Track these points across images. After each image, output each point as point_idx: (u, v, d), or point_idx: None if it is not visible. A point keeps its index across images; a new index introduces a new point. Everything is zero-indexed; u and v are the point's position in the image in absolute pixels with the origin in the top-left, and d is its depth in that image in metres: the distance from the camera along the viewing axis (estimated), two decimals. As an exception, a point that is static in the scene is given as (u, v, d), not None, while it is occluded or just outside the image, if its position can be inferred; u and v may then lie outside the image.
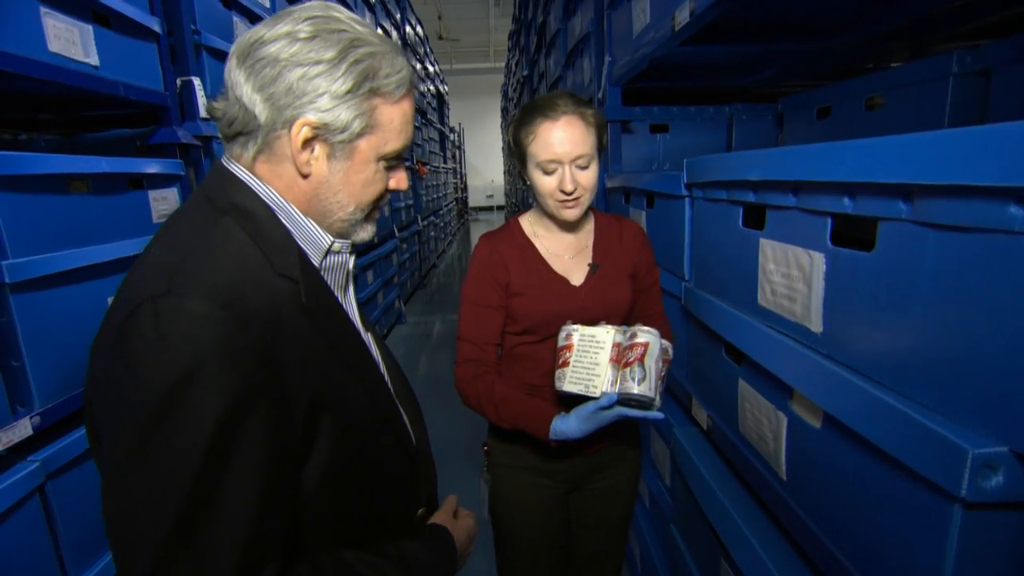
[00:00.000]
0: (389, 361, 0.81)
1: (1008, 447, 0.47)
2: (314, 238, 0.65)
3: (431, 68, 9.07)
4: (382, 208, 0.74)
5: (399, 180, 0.70)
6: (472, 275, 1.11)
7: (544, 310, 1.08)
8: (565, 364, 0.99)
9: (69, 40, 1.43)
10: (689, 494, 1.17)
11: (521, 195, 7.87)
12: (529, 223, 1.14)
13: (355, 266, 0.75)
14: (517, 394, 1.05)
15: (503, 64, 11.34)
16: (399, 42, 6.17)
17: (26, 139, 2.17)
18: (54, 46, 1.37)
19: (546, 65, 3.66)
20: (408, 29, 6.71)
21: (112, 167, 1.47)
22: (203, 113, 2.21)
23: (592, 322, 1.08)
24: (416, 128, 6.98)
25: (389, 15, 5.62)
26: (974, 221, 0.48)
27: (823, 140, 1.52)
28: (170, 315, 0.50)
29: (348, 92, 0.59)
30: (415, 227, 6.57)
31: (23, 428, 1.18)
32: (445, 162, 10.73)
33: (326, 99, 0.59)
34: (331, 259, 0.68)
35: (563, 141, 0.99)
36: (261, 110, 0.59)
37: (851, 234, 0.69)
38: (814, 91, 1.58)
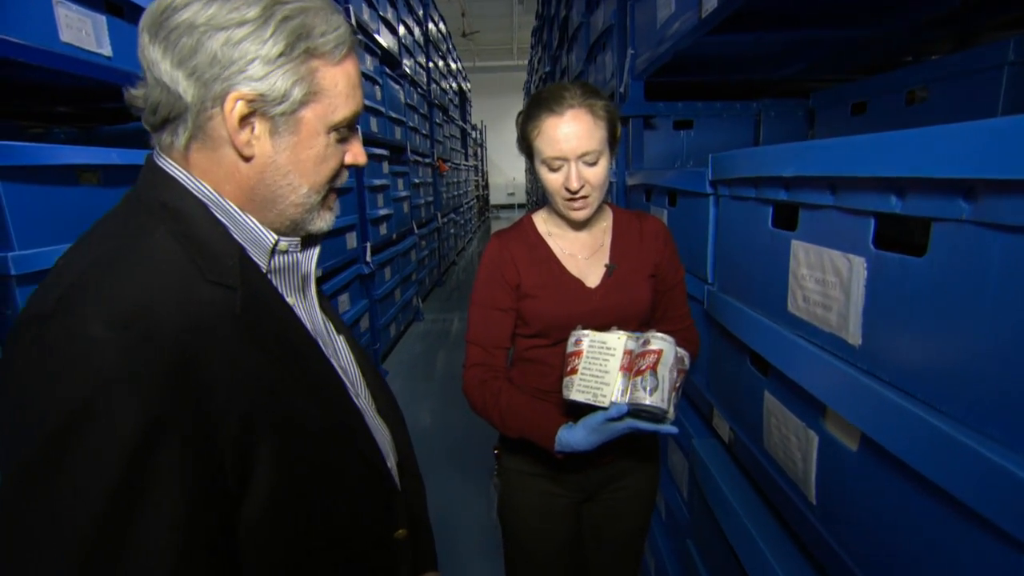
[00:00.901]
0: (365, 368, 0.73)
1: (1089, 489, 0.40)
2: (256, 237, 0.58)
3: (453, 65, 9.05)
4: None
5: (356, 154, 0.62)
6: (482, 276, 1.06)
7: (557, 313, 1.02)
8: (573, 371, 0.93)
9: (81, 30, 1.41)
10: (708, 509, 1.11)
11: (541, 193, 7.77)
12: (543, 221, 1.08)
13: (318, 266, 0.67)
14: (524, 401, 1.00)
15: (526, 61, 11.27)
16: (422, 39, 6.16)
17: (41, 131, 2.19)
18: (66, 36, 1.36)
19: (568, 60, 3.59)
20: (431, 26, 6.69)
21: (123, 159, 1.46)
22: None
23: (605, 327, 1.02)
24: (437, 125, 6.96)
25: (412, 11, 5.60)
26: (1051, 223, 0.41)
27: (859, 136, 1.44)
28: (55, 341, 0.43)
29: (281, 55, 0.52)
30: (434, 224, 6.55)
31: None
32: (466, 159, 10.71)
33: (257, 65, 0.52)
34: (279, 260, 0.61)
35: (568, 137, 0.92)
36: (185, 88, 0.51)
37: (896, 236, 0.62)
38: (848, 85, 1.49)
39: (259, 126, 0.54)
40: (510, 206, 18.73)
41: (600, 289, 1.03)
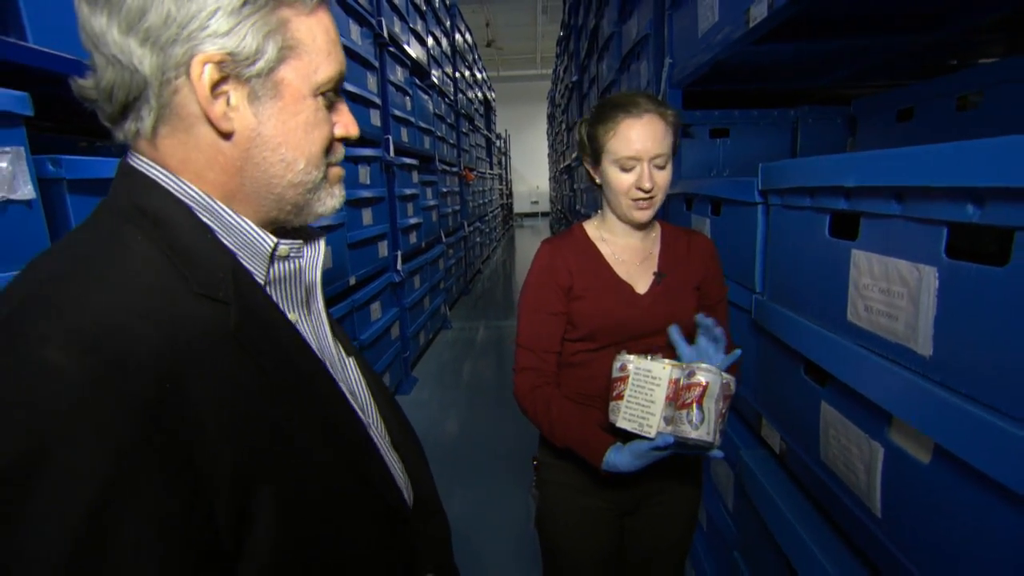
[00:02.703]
0: (378, 394, 0.65)
1: None
2: (251, 241, 0.50)
3: (479, 75, 9.15)
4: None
5: (346, 124, 0.54)
6: (532, 280, 1.08)
7: (606, 314, 1.03)
8: (619, 397, 0.94)
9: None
10: (757, 521, 1.09)
11: (567, 201, 7.80)
12: (595, 227, 1.10)
13: (324, 274, 0.59)
14: (573, 414, 1.01)
15: (550, 70, 11.34)
16: (449, 49, 6.25)
17: (86, 145, 2.28)
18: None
19: (598, 69, 3.60)
20: (457, 36, 6.78)
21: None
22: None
23: (653, 337, 1.02)
24: (463, 134, 7.04)
25: (439, 22, 5.69)
26: None
27: (905, 144, 1.42)
28: (1, 371, 0.36)
29: (245, 3, 0.44)
30: (461, 233, 6.61)
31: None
32: (491, 168, 10.80)
33: (220, 18, 0.44)
34: (279, 268, 0.52)
35: (644, 138, 0.96)
36: (141, 57, 0.43)
37: (966, 246, 0.61)
38: (894, 91, 1.47)
39: (235, 94, 0.46)
40: (533, 214, 18.79)
41: (648, 296, 1.04)
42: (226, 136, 0.47)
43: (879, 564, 0.74)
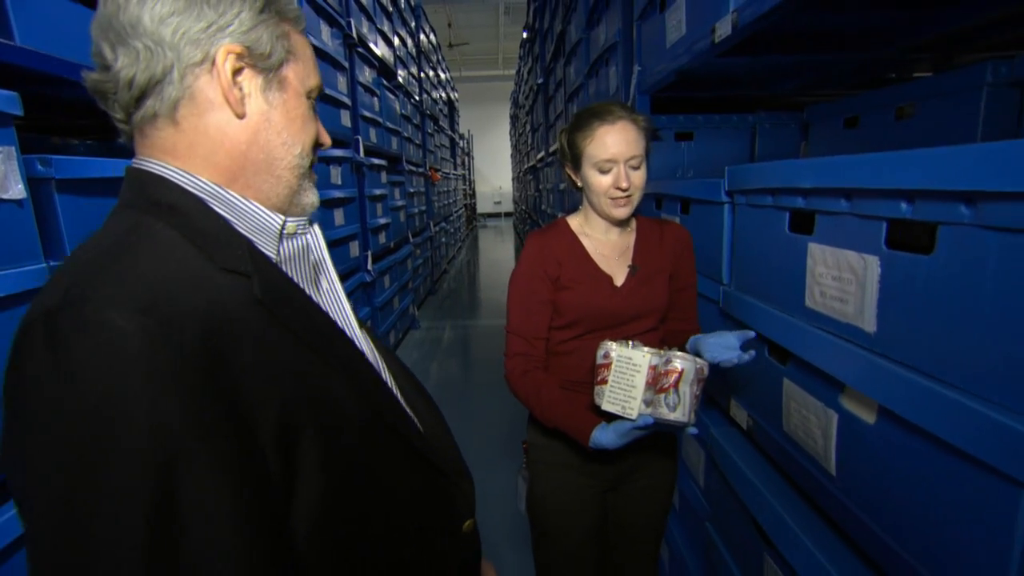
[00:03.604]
0: (392, 363, 0.70)
1: (1073, 436, 0.50)
2: (262, 221, 0.55)
3: (443, 75, 9.16)
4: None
5: (322, 134, 0.62)
6: (522, 270, 1.16)
7: (590, 304, 1.12)
8: (603, 382, 1.03)
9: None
10: (728, 493, 1.20)
11: (532, 201, 7.91)
12: (578, 223, 1.19)
13: (328, 250, 0.64)
14: (562, 398, 1.09)
15: (513, 71, 11.43)
16: (414, 50, 6.25)
17: (60, 143, 2.24)
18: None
19: (565, 73, 3.71)
20: (422, 37, 6.79)
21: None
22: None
23: (629, 324, 1.12)
24: (429, 134, 7.06)
25: (405, 23, 5.70)
26: (1039, 225, 0.52)
27: (852, 149, 1.56)
28: (68, 333, 0.39)
29: (262, 10, 0.53)
30: (427, 233, 6.63)
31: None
32: (455, 168, 10.81)
33: (244, 17, 0.52)
34: (288, 246, 0.58)
35: (619, 143, 1.06)
36: (172, 44, 0.49)
37: (902, 238, 0.72)
38: (842, 100, 1.62)
39: (249, 82, 0.54)
40: (497, 215, 18.87)
41: (625, 287, 1.14)
42: (240, 117, 0.53)
43: (835, 517, 0.85)
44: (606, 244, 1.17)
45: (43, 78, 1.26)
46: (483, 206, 18.54)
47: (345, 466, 0.53)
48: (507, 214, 18.35)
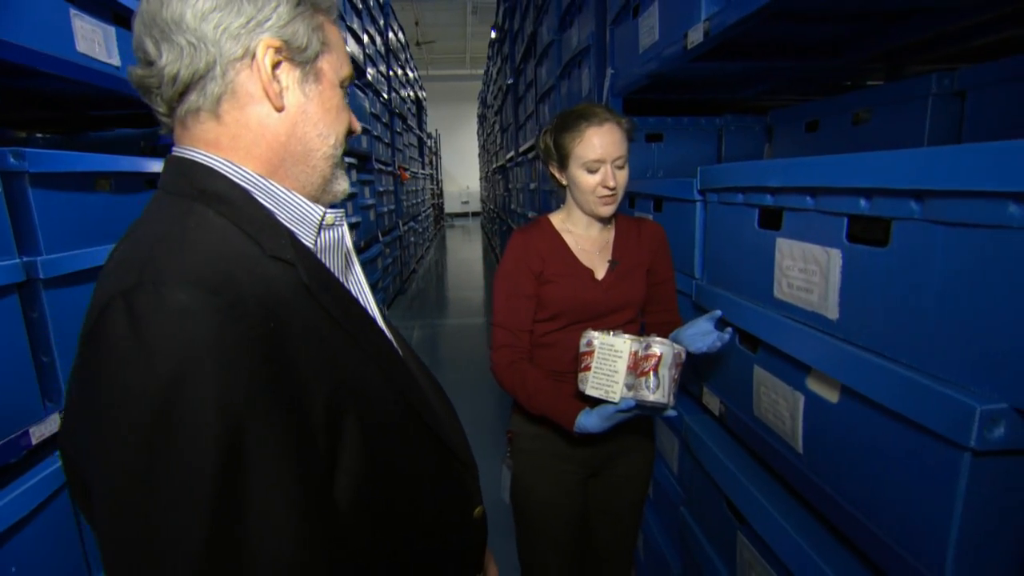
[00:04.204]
0: (409, 354, 0.72)
1: (1008, 404, 0.57)
2: (303, 212, 0.57)
3: (411, 74, 9.11)
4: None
5: (355, 121, 0.63)
6: (507, 266, 1.20)
7: (572, 297, 1.18)
8: (587, 369, 1.08)
9: (94, 41, 1.46)
10: (702, 476, 1.27)
11: (501, 201, 7.96)
12: (560, 220, 1.24)
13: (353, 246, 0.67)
14: (547, 386, 1.14)
15: (481, 71, 11.45)
16: (383, 48, 6.21)
17: (24, 136, 2.16)
18: (81, 46, 1.40)
19: (536, 74, 3.76)
20: (391, 35, 6.75)
21: (132, 167, 1.51)
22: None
23: (609, 316, 1.18)
24: (397, 133, 7.02)
25: (374, 21, 5.66)
26: (979, 219, 0.59)
27: (813, 151, 1.66)
28: (147, 310, 0.41)
29: (299, 3, 0.54)
30: (396, 232, 6.59)
31: (53, 423, 1.20)
32: (423, 168, 10.76)
33: (283, 11, 0.53)
34: (325, 237, 0.60)
35: (607, 144, 1.12)
36: (214, 40, 0.51)
37: (862, 233, 0.79)
38: (803, 105, 1.71)
39: (287, 75, 0.55)
40: (465, 214, 18.85)
41: (606, 280, 1.20)
42: (279, 111, 0.55)
43: (803, 491, 0.92)
44: (587, 240, 1.22)
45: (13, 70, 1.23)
46: (451, 206, 18.49)
47: (377, 451, 0.55)
48: (475, 214, 18.34)
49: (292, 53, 0.54)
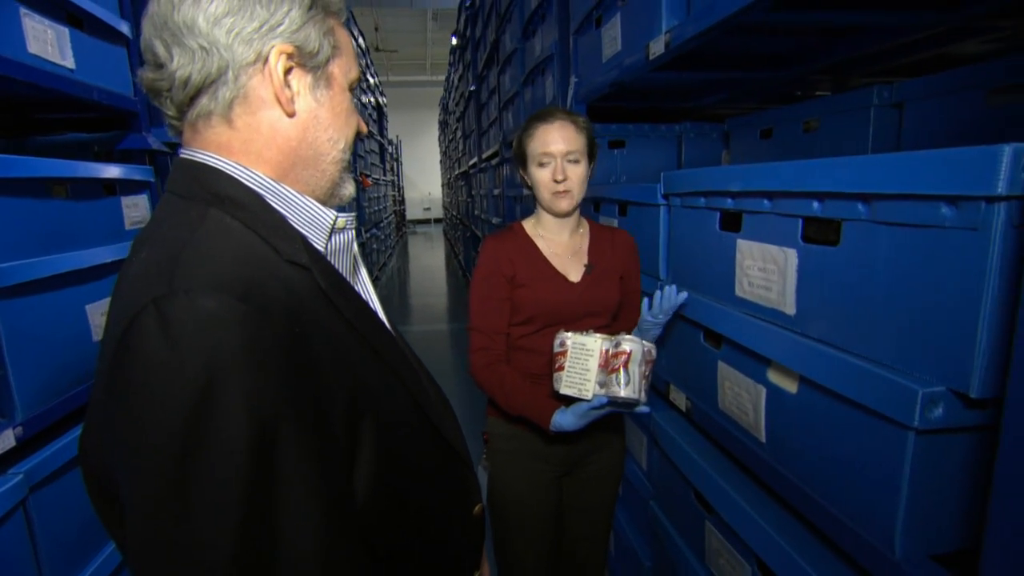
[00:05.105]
0: (410, 353, 0.73)
1: (945, 387, 0.63)
2: (315, 216, 0.57)
3: (372, 80, 9.03)
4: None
5: (360, 123, 0.63)
6: (480, 271, 1.22)
7: (545, 300, 1.20)
8: (560, 368, 1.11)
9: (46, 42, 1.41)
10: (671, 470, 1.32)
11: (464, 207, 7.97)
12: (532, 225, 1.28)
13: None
14: (523, 387, 1.17)
15: (442, 77, 11.45)
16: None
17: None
18: (33, 48, 1.36)
19: (499, 81, 3.80)
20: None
21: (88, 172, 1.46)
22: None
23: (584, 320, 1.22)
24: (359, 139, 6.93)
25: (334, 25, 5.59)
26: (917, 219, 0.65)
27: (767, 158, 1.75)
28: (179, 318, 0.42)
29: (310, 8, 0.54)
30: (359, 239, 6.51)
31: (6, 439, 1.16)
32: (384, 174, 10.66)
33: (294, 16, 0.53)
34: (335, 241, 0.60)
35: (556, 139, 1.17)
36: (226, 45, 0.50)
37: (816, 234, 0.85)
38: (758, 113, 1.80)
39: (298, 81, 0.55)
40: (426, 221, 18.75)
41: (581, 284, 1.24)
42: (290, 116, 0.55)
43: (766, 478, 0.97)
44: (559, 244, 1.26)
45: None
46: (412, 212, 18.37)
47: (390, 449, 0.56)
48: (436, 220, 18.27)
49: (304, 59, 0.55)
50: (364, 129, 0.65)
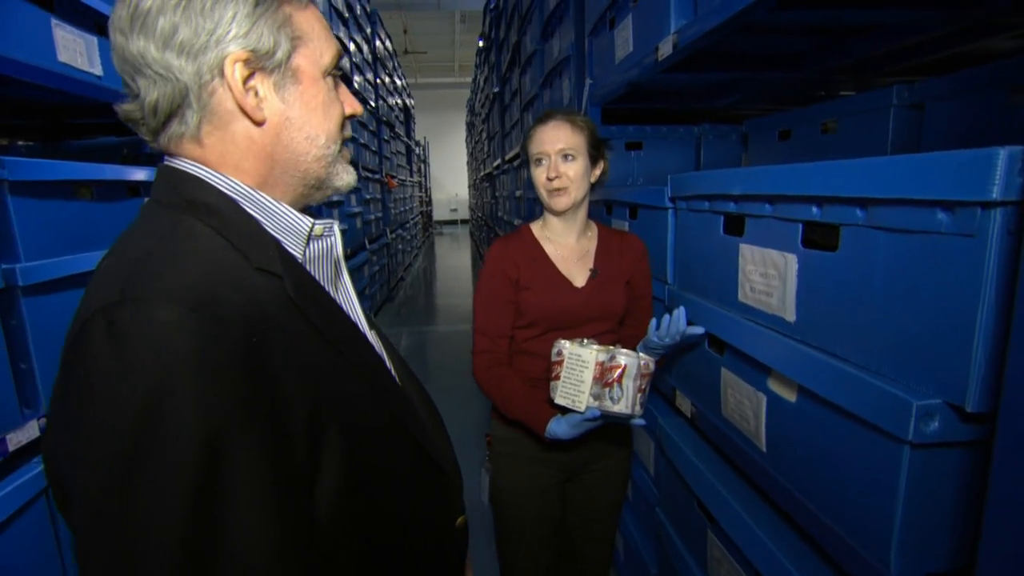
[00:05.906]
0: (397, 363, 0.72)
1: (941, 399, 0.61)
2: (291, 223, 0.57)
3: (399, 82, 9.15)
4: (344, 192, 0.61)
5: (351, 103, 0.62)
6: (486, 273, 1.23)
7: (549, 304, 1.20)
8: (557, 377, 1.11)
9: (76, 51, 1.47)
10: (675, 477, 1.30)
11: (489, 208, 8.00)
12: (539, 228, 1.28)
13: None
14: (522, 391, 1.17)
15: (469, 79, 11.52)
16: (370, 56, 6.24)
17: (5, 143, 2.16)
18: (63, 56, 1.41)
19: (521, 83, 3.81)
20: (378, 43, 6.79)
21: (114, 175, 1.52)
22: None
23: (588, 325, 1.21)
24: (384, 141, 7.04)
25: (360, 29, 5.69)
26: (913, 225, 0.62)
27: (785, 159, 1.71)
28: (127, 326, 0.42)
29: (257, 5, 0.52)
30: (384, 240, 6.59)
31: (31, 430, 1.20)
32: (411, 175, 10.78)
33: (241, 21, 0.51)
34: (314, 247, 0.59)
35: (551, 138, 1.19)
36: (180, 67, 0.50)
37: (816, 239, 0.83)
38: (776, 115, 1.76)
39: (262, 86, 0.54)
40: (453, 222, 18.87)
41: (586, 288, 1.23)
42: (259, 124, 0.54)
43: (766, 488, 0.95)
44: (566, 248, 1.26)
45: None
46: (439, 213, 18.51)
47: (361, 463, 0.55)
48: (463, 221, 18.37)
49: (261, 61, 0.53)
50: (357, 109, 0.63)
